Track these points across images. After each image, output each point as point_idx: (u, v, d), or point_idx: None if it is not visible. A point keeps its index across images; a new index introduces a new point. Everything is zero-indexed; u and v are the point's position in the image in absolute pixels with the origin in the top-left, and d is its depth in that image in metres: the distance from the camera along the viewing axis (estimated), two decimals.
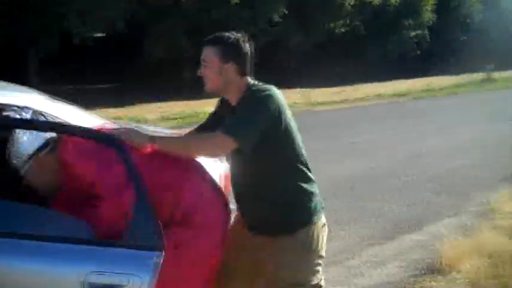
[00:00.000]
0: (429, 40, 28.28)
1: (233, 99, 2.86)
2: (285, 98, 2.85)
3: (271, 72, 18.81)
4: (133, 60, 14.97)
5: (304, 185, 2.88)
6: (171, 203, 2.65)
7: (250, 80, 2.87)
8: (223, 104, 2.99)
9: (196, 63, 2.88)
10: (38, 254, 2.44)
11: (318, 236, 2.89)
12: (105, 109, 12.15)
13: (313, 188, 2.92)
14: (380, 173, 8.25)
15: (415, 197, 7.08)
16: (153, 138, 2.67)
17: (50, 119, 3.01)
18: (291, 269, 2.84)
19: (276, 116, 2.75)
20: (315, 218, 2.90)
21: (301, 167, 2.89)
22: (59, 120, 3.03)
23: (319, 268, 2.92)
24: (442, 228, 5.93)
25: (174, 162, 2.73)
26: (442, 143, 10.48)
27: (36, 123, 2.87)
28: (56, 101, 3.26)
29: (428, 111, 14.83)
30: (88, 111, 3.50)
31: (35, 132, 2.91)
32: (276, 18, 19.79)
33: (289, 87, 17.45)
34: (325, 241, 2.95)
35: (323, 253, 2.94)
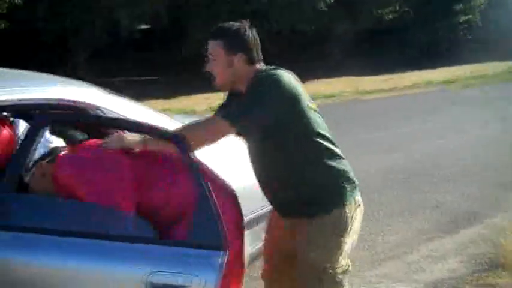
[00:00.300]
0: (481, 25, 27.43)
1: (243, 90, 2.77)
2: (299, 81, 2.78)
3: (317, 61, 18.65)
4: (180, 52, 15.00)
5: (331, 163, 2.79)
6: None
7: (260, 67, 2.79)
8: (232, 95, 2.90)
9: None
10: (102, 253, 2.41)
11: (350, 217, 2.79)
12: (154, 100, 12.20)
13: (342, 165, 2.82)
14: (434, 164, 8.00)
15: (472, 188, 6.84)
16: (145, 142, 2.59)
17: (107, 113, 2.97)
18: (320, 251, 2.77)
19: (284, 99, 2.66)
20: (346, 198, 2.80)
21: (323, 144, 2.78)
22: (116, 115, 2.99)
23: (348, 250, 2.85)
24: (503, 221, 5.69)
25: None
26: (498, 131, 10.10)
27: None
28: (112, 95, 3.21)
29: (482, 99, 14.37)
30: (140, 104, 3.45)
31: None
32: (322, 6, 19.50)
33: (335, 76, 17.27)
34: (359, 222, 2.87)
35: (355, 236, 2.86)
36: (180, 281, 2.33)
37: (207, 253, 2.39)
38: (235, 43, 2.71)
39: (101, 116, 2.94)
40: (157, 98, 12.61)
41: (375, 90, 15.85)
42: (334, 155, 2.80)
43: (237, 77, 2.74)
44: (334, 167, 2.78)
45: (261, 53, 2.79)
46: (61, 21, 13.91)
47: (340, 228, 2.78)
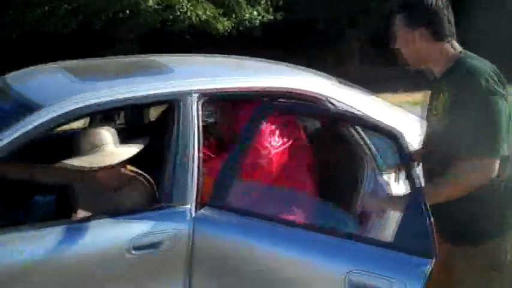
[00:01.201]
0: None
1: (438, 71, 2.41)
2: None
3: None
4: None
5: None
6: None
7: (456, 47, 2.39)
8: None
9: None
10: (310, 245, 2.41)
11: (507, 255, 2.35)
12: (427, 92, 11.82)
13: None
14: None
15: None
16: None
17: (337, 105, 2.93)
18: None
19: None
20: (507, 231, 2.35)
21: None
22: (346, 107, 2.94)
23: None
24: None
25: None
26: None
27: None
28: (344, 85, 3.17)
29: None
30: (376, 96, 3.33)
31: None
32: None
33: None
34: None
35: None
36: (378, 283, 2.21)
37: (414, 260, 2.22)
38: (416, 16, 2.38)
39: (326, 109, 2.91)
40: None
41: None
42: None
43: (423, 55, 2.42)
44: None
45: (453, 29, 2.41)
46: (335, 8, 14.08)
47: (494, 264, 2.37)
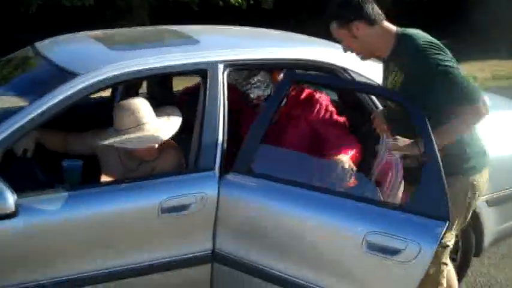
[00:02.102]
0: None
1: (384, 51, 2.62)
2: None
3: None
4: (462, 15, 14.13)
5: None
6: None
7: (391, 26, 2.63)
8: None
9: None
10: (331, 208, 2.56)
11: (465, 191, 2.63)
12: None
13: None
14: None
15: None
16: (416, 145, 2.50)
17: (354, 76, 3.04)
18: None
19: None
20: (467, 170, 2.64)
21: None
22: (362, 78, 3.05)
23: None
24: None
25: None
26: None
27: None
28: None
29: None
30: None
31: None
32: None
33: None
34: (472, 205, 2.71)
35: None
36: (395, 244, 2.35)
37: (428, 222, 2.36)
38: (344, 16, 2.58)
39: (341, 79, 3.03)
40: None
41: None
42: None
43: (371, 43, 2.61)
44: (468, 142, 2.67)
45: (378, 8, 2.61)
46: None
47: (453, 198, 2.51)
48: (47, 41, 3.31)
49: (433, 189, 2.37)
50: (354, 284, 2.51)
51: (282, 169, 2.70)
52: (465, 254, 3.38)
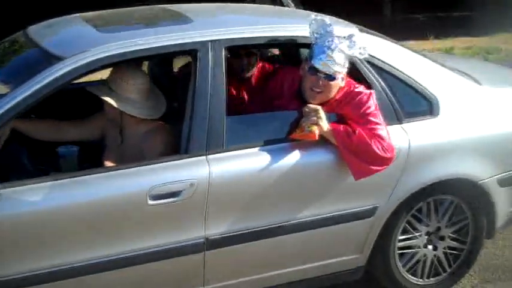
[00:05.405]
0: None
1: None
2: None
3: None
4: None
5: None
6: None
7: None
8: None
9: None
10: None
11: None
12: (457, 38, 11.52)
13: None
14: None
15: None
16: None
17: None
18: None
19: None
20: None
21: None
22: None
23: None
24: None
25: None
26: None
27: None
28: (363, 33, 3.11)
29: None
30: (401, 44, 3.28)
31: None
32: None
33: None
34: None
35: None
36: None
37: None
38: None
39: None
40: (461, 35, 11.88)
41: None
42: None
43: None
44: None
45: None
46: None
47: None
48: (39, 25, 3.22)
49: None
50: None
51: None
52: (476, 237, 3.24)
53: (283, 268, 2.89)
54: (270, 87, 3.12)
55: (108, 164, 2.76)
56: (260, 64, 3.36)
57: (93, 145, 3.00)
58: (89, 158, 2.86)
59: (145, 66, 3.79)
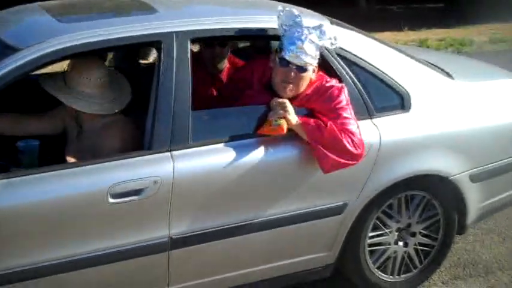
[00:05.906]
0: None
1: None
2: None
3: None
4: None
5: None
6: None
7: None
8: None
9: None
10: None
11: None
12: (431, 30, 11.55)
13: None
14: None
15: None
16: None
17: None
18: None
19: None
20: None
21: None
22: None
23: None
24: None
25: None
26: None
27: None
28: (334, 25, 3.04)
29: None
30: (371, 36, 3.21)
31: None
32: None
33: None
34: None
35: None
36: None
37: None
38: None
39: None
40: (435, 27, 11.91)
41: None
42: None
43: None
44: None
45: None
46: None
47: None
48: None
49: None
50: None
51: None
52: (447, 233, 3.21)
53: (251, 267, 2.82)
54: (240, 76, 3.03)
55: (69, 159, 2.65)
56: (232, 59, 3.27)
57: (56, 138, 2.89)
58: (51, 152, 2.74)
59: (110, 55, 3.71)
